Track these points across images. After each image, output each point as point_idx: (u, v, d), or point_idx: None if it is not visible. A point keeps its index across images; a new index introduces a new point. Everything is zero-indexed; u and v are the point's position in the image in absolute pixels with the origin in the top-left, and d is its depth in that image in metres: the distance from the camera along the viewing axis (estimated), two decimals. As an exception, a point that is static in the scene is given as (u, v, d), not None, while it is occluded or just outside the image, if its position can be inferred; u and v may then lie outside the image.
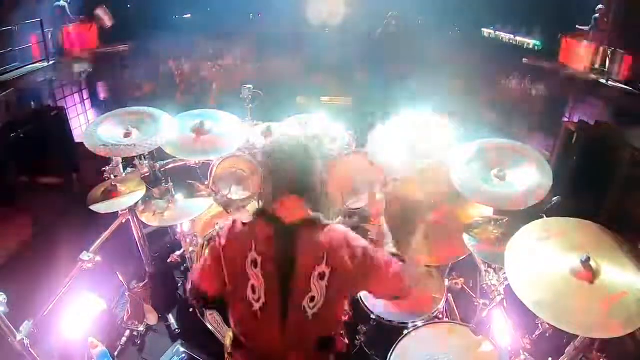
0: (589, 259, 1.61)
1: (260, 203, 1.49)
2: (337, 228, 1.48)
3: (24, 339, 2.09)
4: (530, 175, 2.39)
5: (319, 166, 1.49)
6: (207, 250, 1.68)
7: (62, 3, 7.73)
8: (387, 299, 1.78)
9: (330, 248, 1.42)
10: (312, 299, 1.41)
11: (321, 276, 1.40)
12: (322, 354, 1.61)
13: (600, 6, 6.98)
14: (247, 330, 1.55)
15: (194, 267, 1.73)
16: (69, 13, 7.85)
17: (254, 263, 1.41)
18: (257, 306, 1.43)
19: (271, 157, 1.48)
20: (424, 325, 2.35)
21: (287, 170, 1.44)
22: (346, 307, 1.71)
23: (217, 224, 2.59)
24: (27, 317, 2.21)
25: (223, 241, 1.48)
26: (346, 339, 1.70)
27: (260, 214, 1.48)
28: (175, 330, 3.12)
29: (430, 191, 2.79)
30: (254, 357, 1.59)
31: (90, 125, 3.13)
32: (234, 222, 1.49)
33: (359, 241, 1.48)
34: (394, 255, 1.62)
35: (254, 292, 1.42)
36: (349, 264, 1.42)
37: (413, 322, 2.43)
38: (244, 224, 1.47)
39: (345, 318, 1.75)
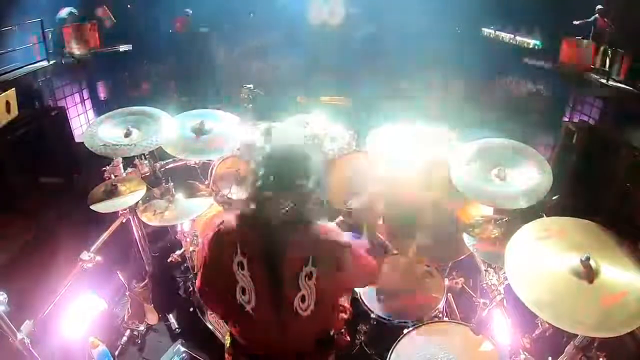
0: (589, 258, 1.62)
1: (244, 204, 1.43)
2: (323, 226, 1.46)
3: (24, 339, 2.09)
4: (530, 175, 2.39)
5: (314, 166, 1.42)
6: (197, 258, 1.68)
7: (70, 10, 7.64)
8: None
9: (316, 248, 1.40)
10: (303, 298, 1.40)
11: (309, 276, 1.39)
12: (322, 353, 1.61)
13: (599, 6, 6.98)
14: (244, 331, 1.55)
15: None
16: (75, 13, 7.81)
17: (241, 265, 1.39)
18: (249, 307, 1.42)
19: (264, 154, 1.41)
20: (424, 325, 2.35)
21: (278, 168, 1.37)
22: (346, 304, 1.70)
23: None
24: (28, 316, 2.21)
25: (207, 246, 1.47)
26: (348, 337, 1.69)
27: (244, 215, 1.44)
28: (175, 329, 3.12)
29: (429, 191, 2.80)
30: (254, 358, 1.59)
31: (90, 125, 3.13)
32: (219, 225, 1.47)
33: (343, 239, 1.47)
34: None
35: (244, 293, 1.41)
36: (335, 264, 1.42)
37: (413, 321, 2.43)
38: (228, 226, 1.45)
39: (345, 316, 1.74)
